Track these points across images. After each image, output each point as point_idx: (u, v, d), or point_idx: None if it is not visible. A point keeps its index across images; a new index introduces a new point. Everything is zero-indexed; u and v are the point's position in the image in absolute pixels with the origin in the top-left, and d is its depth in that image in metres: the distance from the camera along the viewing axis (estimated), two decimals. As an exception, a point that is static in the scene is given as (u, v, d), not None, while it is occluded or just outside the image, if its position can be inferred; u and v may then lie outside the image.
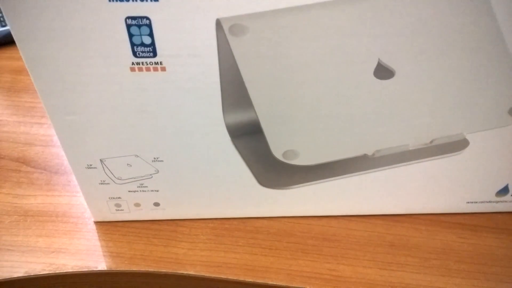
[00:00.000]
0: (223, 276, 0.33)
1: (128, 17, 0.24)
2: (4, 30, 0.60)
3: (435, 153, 0.33)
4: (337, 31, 0.26)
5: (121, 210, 0.36)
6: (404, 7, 0.26)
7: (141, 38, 0.25)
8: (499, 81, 0.29)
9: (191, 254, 0.35)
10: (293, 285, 0.33)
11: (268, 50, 0.27)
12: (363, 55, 0.28)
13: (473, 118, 0.31)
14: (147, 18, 0.24)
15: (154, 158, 0.32)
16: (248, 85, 0.28)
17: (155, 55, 0.26)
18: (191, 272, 0.34)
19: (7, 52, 0.59)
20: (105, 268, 0.34)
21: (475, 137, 0.32)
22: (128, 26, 0.25)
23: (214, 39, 0.25)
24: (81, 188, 0.34)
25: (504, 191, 0.36)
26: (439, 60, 0.28)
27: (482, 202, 0.37)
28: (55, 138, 0.45)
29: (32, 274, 0.33)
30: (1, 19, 0.61)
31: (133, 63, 0.26)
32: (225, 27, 0.25)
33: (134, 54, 0.26)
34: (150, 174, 0.33)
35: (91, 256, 0.34)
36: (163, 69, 0.27)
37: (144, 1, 0.24)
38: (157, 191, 0.35)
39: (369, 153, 0.32)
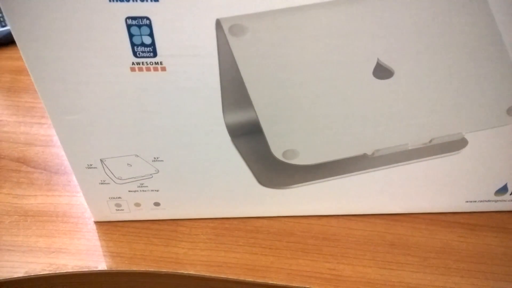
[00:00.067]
0: (223, 276, 0.33)
1: (128, 17, 0.24)
2: (4, 30, 0.60)
3: (434, 152, 0.33)
4: (336, 31, 0.27)
5: (121, 210, 0.36)
6: (402, 8, 0.26)
7: (141, 38, 0.25)
8: (498, 81, 0.29)
9: (191, 254, 0.35)
10: (294, 285, 0.33)
11: (267, 50, 0.27)
12: (362, 55, 0.28)
13: (471, 117, 0.31)
14: (147, 18, 0.25)
15: (154, 158, 0.32)
16: (248, 85, 0.28)
17: (155, 55, 0.26)
18: (192, 271, 0.34)
19: (7, 52, 0.59)
20: (106, 268, 0.34)
21: (474, 137, 0.32)
22: (129, 26, 0.25)
23: (214, 39, 0.26)
24: (81, 188, 0.34)
25: (503, 190, 0.36)
26: (438, 60, 0.28)
27: (481, 201, 0.37)
28: (55, 138, 0.45)
29: (32, 274, 0.33)
30: (1, 19, 0.61)
31: (133, 63, 0.26)
32: (225, 27, 0.25)
33: (135, 54, 0.26)
34: (150, 174, 0.33)
35: (91, 256, 0.35)
36: (163, 69, 0.27)
37: (145, 1, 0.24)
38: (157, 191, 0.35)
39: (369, 152, 0.32)
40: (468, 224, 0.37)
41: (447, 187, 0.36)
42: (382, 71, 0.29)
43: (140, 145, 0.31)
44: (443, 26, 0.27)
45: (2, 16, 0.61)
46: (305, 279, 0.33)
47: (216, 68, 0.27)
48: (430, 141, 0.32)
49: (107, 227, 0.37)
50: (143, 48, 0.26)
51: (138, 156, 0.32)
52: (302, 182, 0.34)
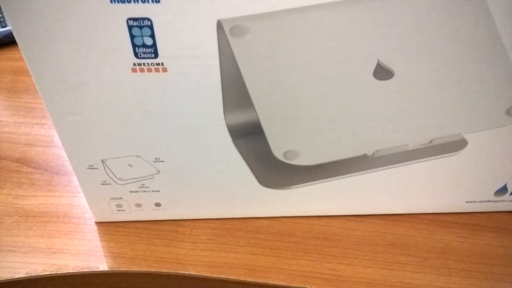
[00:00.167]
0: (224, 276, 0.33)
1: (129, 18, 0.24)
2: (4, 30, 0.60)
3: (434, 153, 0.33)
4: (337, 32, 0.27)
5: (122, 210, 0.36)
6: (402, 9, 0.26)
7: (142, 39, 0.25)
8: (497, 82, 0.30)
9: (192, 254, 0.35)
10: (294, 285, 0.33)
11: (268, 51, 0.27)
12: (363, 56, 0.28)
13: (471, 118, 0.31)
14: (149, 19, 0.25)
15: (155, 159, 0.32)
16: (248, 86, 0.28)
17: (156, 56, 0.26)
18: (192, 272, 0.34)
19: (7, 53, 0.59)
20: (106, 269, 0.34)
21: (474, 137, 0.32)
22: (130, 27, 0.25)
23: (215, 40, 0.26)
24: (82, 189, 0.34)
25: (502, 190, 0.36)
26: (438, 61, 0.28)
27: (481, 201, 0.37)
28: (56, 139, 0.45)
29: (33, 275, 0.33)
30: (2, 19, 0.61)
31: (134, 64, 0.26)
32: (226, 28, 0.25)
33: (136, 55, 0.26)
34: (151, 175, 0.33)
35: (92, 256, 0.35)
36: (165, 70, 0.27)
37: (146, 3, 0.24)
38: (158, 191, 0.35)
39: (369, 153, 0.32)
40: (468, 224, 0.37)
41: (447, 187, 0.36)
42: (382, 72, 0.29)
43: (141, 146, 0.31)
44: (443, 27, 0.27)
45: (3, 17, 0.61)
46: (306, 280, 0.33)
47: (217, 69, 0.27)
48: (430, 141, 0.32)
49: (108, 228, 0.37)
50: (144, 49, 0.26)
51: (139, 156, 0.32)
52: (302, 183, 0.35)
